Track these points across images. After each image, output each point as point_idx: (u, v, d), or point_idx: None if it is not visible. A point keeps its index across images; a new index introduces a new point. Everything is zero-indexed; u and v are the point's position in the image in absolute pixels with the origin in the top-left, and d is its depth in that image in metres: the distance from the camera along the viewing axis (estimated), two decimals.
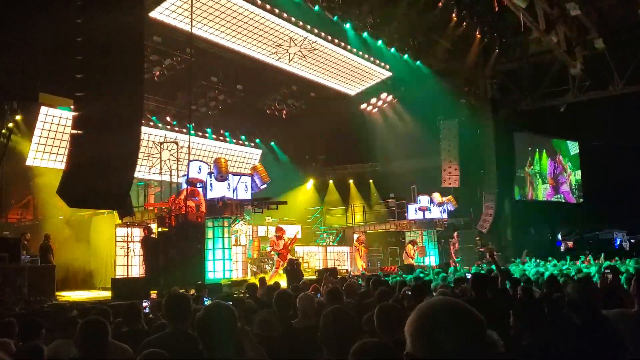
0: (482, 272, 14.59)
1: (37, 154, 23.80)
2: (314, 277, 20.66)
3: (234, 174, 21.85)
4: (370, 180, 39.00)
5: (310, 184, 39.31)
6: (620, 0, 27.25)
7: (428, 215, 30.89)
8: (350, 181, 39.83)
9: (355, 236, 30.87)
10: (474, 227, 34.09)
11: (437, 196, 31.00)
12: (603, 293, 7.25)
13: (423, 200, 30.84)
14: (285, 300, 7.16)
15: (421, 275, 16.75)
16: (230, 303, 5.59)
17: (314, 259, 29.36)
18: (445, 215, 31.35)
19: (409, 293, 9.07)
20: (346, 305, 8.49)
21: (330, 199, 38.77)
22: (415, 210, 31.02)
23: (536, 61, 33.29)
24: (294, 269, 19.89)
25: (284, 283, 18.11)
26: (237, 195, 21.45)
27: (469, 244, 31.42)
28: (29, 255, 18.90)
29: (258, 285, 12.96)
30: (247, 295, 11.91)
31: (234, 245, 23.10)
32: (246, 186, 21.75)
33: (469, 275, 13.61)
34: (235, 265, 23.51)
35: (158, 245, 18.11)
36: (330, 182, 39.71)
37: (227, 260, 21.21)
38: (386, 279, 15.54)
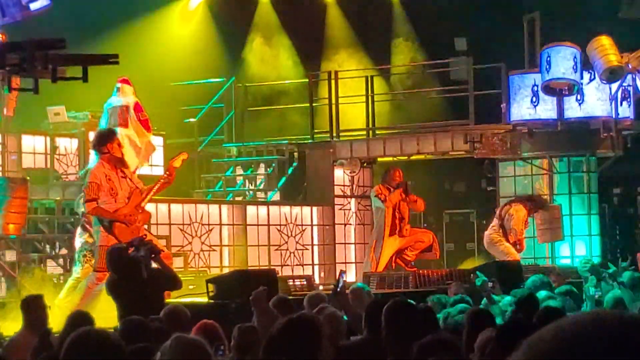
0: None
1: None
2: (205, 298, 11.22)
3: None
4: None
5: None
6: None
7: (572, 112, 15.86)
8: None
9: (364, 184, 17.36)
10: None
11: (603, 48, 14.75)
12: None
13: (561, 59, 15.18)
14: None
15: (540, 296, 8.61)
16: None
17: (203, 243, 15.92)
18: (627, 111, 15.76)
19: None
20: None
21: (261, 49, 19.86)
22: (535, 95, 15.78)
23: None
24: (135, 265, 9.24)
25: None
26: None
27: None
28: None
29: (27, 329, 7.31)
30: None
31: None
32: None
33: None
34: None
35: None
36: None
37: None
38: (434, 298, 8.85)
